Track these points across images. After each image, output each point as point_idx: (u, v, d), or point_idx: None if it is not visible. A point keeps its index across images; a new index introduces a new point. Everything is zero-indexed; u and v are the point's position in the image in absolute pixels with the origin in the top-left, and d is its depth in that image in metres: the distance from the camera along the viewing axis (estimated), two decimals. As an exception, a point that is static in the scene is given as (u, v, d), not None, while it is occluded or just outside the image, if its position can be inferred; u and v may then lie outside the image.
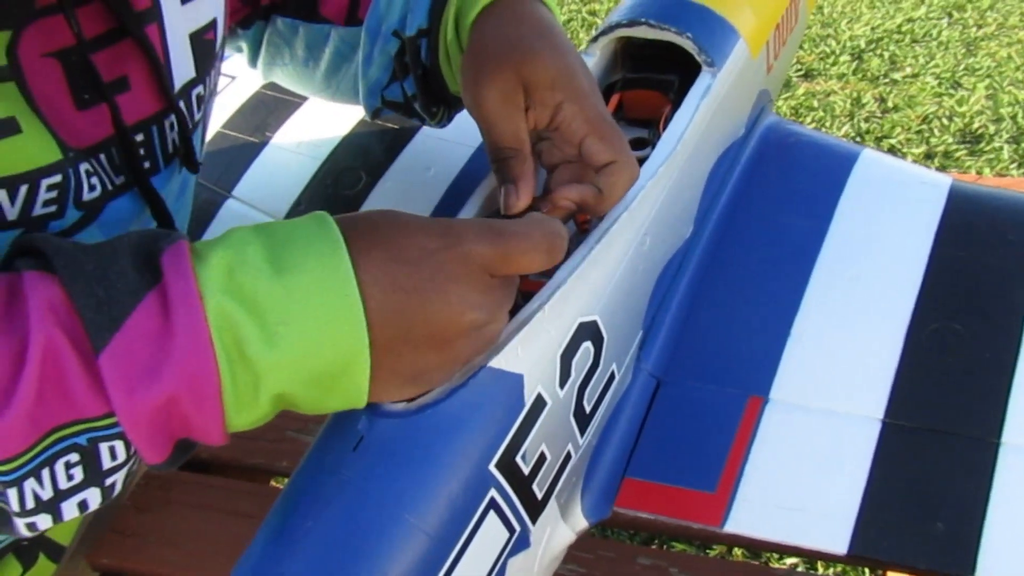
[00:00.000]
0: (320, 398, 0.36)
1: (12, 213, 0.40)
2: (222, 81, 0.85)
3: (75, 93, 0.42)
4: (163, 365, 0.32)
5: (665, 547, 1.09)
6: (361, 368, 0.35)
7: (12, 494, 0.33)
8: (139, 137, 0.46)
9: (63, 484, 0.34)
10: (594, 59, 0.61)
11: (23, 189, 0.40)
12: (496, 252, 0.38)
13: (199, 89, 0.49)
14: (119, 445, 0.34)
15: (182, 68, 0.47)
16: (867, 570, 1.08)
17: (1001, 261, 0.56)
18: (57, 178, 0.41)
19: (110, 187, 0.45)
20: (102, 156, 0.44)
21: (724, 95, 0.59)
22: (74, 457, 0.33)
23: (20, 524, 0.34)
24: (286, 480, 0.41)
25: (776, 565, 1.06)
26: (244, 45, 0.65)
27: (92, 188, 0.43)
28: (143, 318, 0.32)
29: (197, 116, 0.50)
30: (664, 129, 0.56)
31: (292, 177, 0.74)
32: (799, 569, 1.06)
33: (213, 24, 0.50)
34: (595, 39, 0.62)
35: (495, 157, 0.47)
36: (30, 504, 0.33)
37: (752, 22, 0.64)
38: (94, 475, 0.34)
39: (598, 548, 0.65)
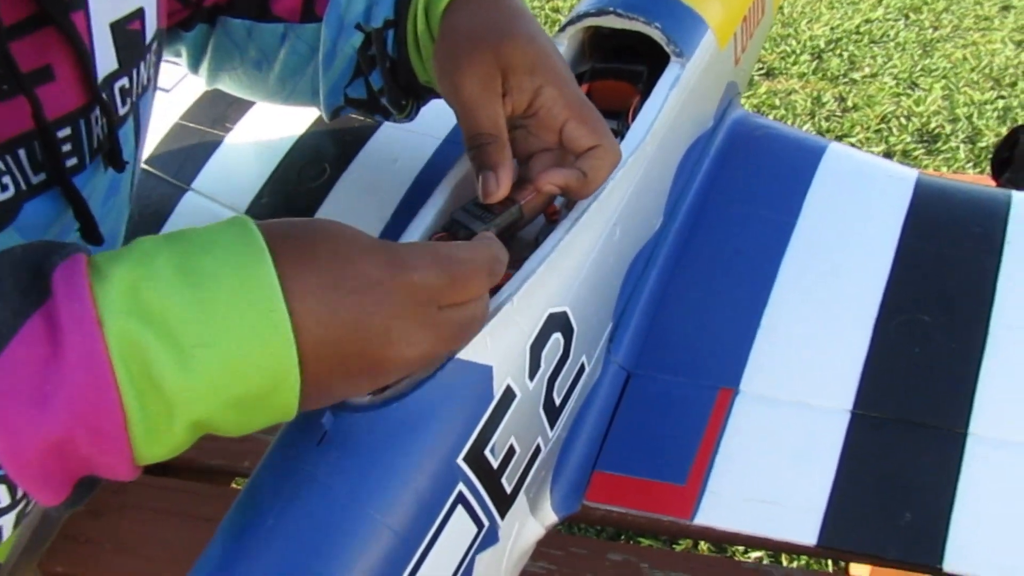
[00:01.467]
0: (242, 421, 0.33)
1: None
2: (179, 71, 0.82)
3: None
4: (52, 398, 0.28)
5: (631, 542, 1.09)
6: (290, 387, 0.32)
7: None
8: (65, 132, 0.43)
9: None
10: (562, 49, 0.61)
11: None
12: (443, 282, 0.35)
13: (123, 82, 0.46)
14: (2, 489, 0.30)
15: (104, 59, 0.44)
16: (830, 562, 1.09)
17: (967, 253, 0.56)
18: None
19: (24, 187, 0.41)
20: (21, 152, 0.41)
21: (693, 86, 0.59)
22: None
23: None
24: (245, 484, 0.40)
25: (741, 558, 1.06)
26: (184, 49, 0.61)
27: (4, 188, 0.40)
28: (25, 346, 0.28)
29: (122, 111, 0.47)
30: (633, 120, 0.56)
31: (254, 169, 0.72)
32: (764, 562, 1.07)
33: (139, 14, 0.47)
34: (563, 28, 0.61)
35: (472, 144, 0.46)
36: None
37: (720, 13, 0.64)
38: None
39: (569, 545, 0.64)
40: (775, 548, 0.96)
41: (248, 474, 0.75)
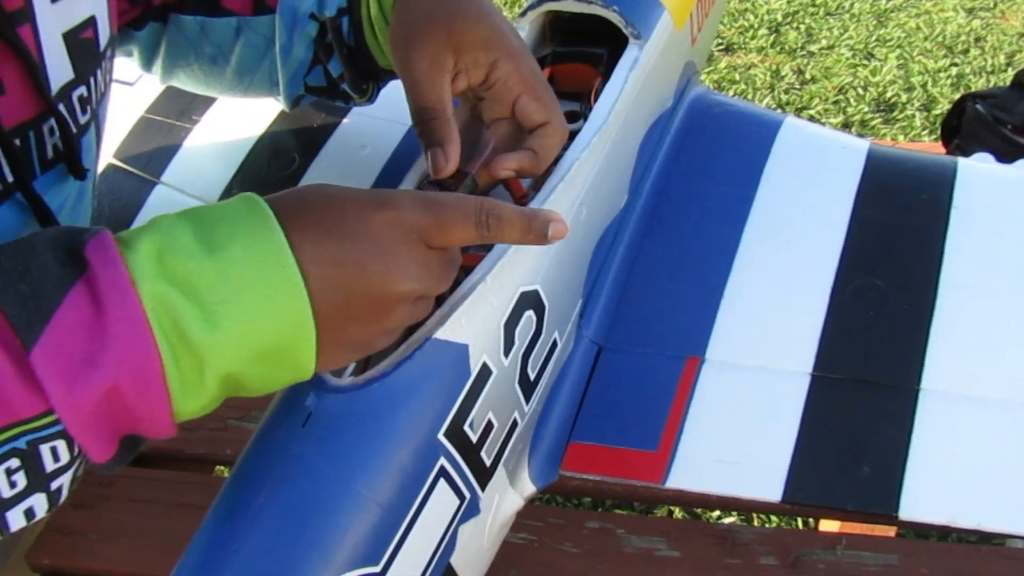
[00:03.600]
0: (267, 375, 0.36)
1: None
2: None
3: None
4: (101, 355, 0.31)
5: (607, 512, 1.12)
6: (306, 339, 0.35)
7: None
8: (14, 142, 0.44)
9: (6, 492, 0.33)
10: (523, 33, 0.62)
11: None
12: (430, 220, 0.38)
13: (81, 91, 0.47)
14: (61, 445, 0.33)
15: (58, 69, 0.45)
16: (800, 521, 1.12)
17: (917, 218, 0.59)
18: None
19: None
20: None
21: (652, 67, 0.61)
22: (14, 463, 0.32)
23: None
24: (230, 469, 0.41)
25: (715, 523, 1.10)
26: (135, 49, 0.61)
27: None
28: (73, 310, 0.32)
29: (82, 119, 0.48)
30: (595, 102, 0.57)
31: (223, 160, 0.72)
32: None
33: (91, 22, 0.47)
34: (523, 13, 0.62)
35: (418, 119, 0.47)
36: None
37: (675, -5, 0.65)
38: (38, 480, 0.33)
39: (548, 516, 0.66)
40: (747, 509, 0.99)
41: (231, 462, 0.76)
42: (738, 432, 0.52)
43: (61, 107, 0.45)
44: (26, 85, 0.43)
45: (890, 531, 0.80)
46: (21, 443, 0.32)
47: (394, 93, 0.61)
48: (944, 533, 0.92)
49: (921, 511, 0.47)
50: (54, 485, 0.34)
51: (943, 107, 2.02)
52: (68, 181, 0.48)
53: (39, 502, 0.34)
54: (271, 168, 0.71)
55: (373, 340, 0.38)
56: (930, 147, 1.54)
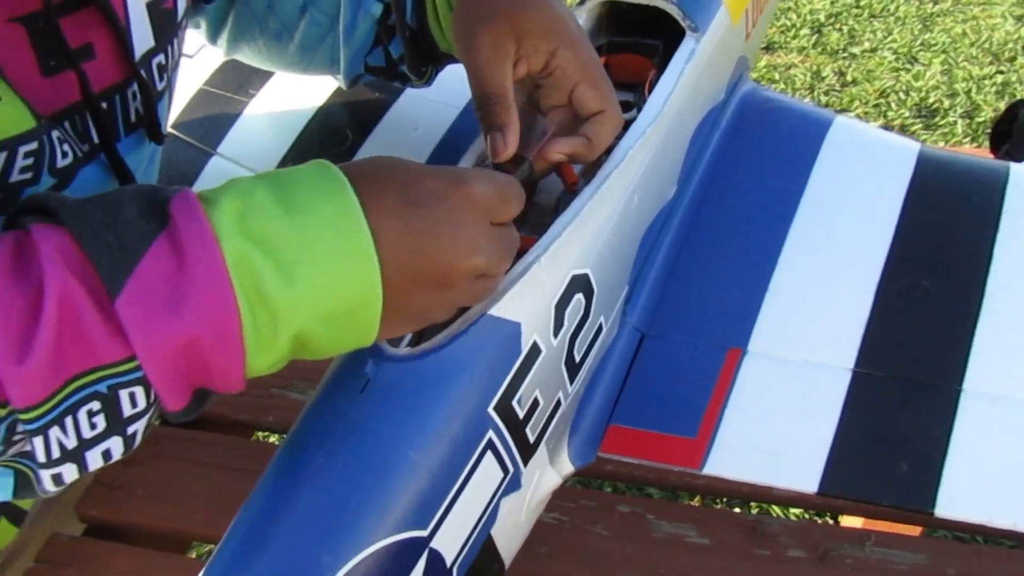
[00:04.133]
0: (333, 336, 0.37)
1: None
2: (199, 39, 0.84)
3: (41, 59, 0.42)
4: (182, 305, 0.33)
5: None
6: (373, 305, 0.36)
7: (38, 443, 0.34)
8: (103, 105, 0.46)
9: (86, 433, 0.34)
10: (581, 22, 0.63)
11: (1, 157, 0.40)
12: (496, 195, 0.40)
13: (160, 58, 0.49)
14: (139, 391, 0.34)
15: (142, 37, 0.47)
16: (817, 517, 1.13)
17: (966, 222, 0.59)
18: (33, 145, 0.41)
19: (80, 154, 0.45)
20: (66, 124, 0.44)
21: (707, 60, 0.61)
22: (96, 405, 0.34)
23: (46, 476, 0.35)
24: (271, 435, 0.43)
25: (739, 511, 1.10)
26: (203, 21, 0.64)
27: (64, 155, 0.44)
28: (156, 261, 0.33)
29: (160, 86, 0.50)
30: (649, 93, 0.58)
31: (278, 135, 0.74)
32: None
33: None
34: (582, 2, 0.63)
35: (480, 104, 0.48)
36: (56, 454, 0.34)
37: (733, -11, 0.66)
38: (116, 423, 0.35)
39: (580, 498, 0.68)
40: (776, 502, 1.00)
41: (272, 429, 0.78)
42: (777, 423, 0.52)
43: (143, 73, 0.47)
44: (114, 51, 0.45)
45: (915, 531, 0.80)
46: (102, 387, 0.33)
47: (448, 75, 0.63)
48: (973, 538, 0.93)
49: (958, 509, 0.48)
50: (130, 430, 0.36)
51: (986, 115, 1.99)
52: (145, 145, 0.50)
53: (116, 445, 0.36)
54: (324, 144, 0.73)
55: (432, 311, 0.40)
56: (976, 153, 1.52)
